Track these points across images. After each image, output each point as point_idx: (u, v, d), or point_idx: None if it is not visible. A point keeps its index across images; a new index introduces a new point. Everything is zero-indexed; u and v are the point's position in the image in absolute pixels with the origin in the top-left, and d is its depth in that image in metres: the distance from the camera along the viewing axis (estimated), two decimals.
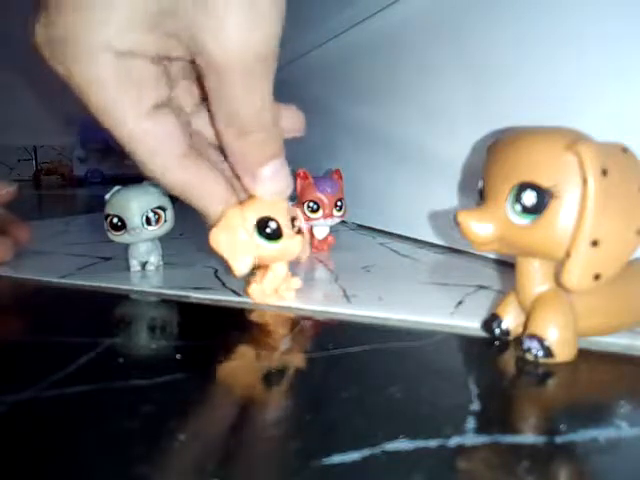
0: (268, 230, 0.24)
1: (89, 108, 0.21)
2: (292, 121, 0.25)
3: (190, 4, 0.18)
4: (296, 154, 0.32)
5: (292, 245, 0.24)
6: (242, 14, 0.18)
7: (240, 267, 0.24)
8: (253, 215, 0.23)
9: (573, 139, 0.16)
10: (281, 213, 0.24)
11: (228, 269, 0.24)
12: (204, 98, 0.24)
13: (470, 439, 0.13)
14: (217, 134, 0.22)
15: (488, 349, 0.20)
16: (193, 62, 0.20)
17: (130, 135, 0.21)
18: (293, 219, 0.25)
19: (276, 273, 0.26)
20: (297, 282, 0.27)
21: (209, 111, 0.22)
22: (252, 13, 0.18)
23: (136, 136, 0.21)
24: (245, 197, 0.24)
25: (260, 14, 0.19)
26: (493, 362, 0.19)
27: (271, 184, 0.23)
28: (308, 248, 0.26)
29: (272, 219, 0.24)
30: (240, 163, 0.23)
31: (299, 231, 0.25)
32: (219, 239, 0.23)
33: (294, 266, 0.27)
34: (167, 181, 0.22)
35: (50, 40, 0.19)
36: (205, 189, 0.23)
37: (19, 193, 0.40)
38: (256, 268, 0.25)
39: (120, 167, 1.58)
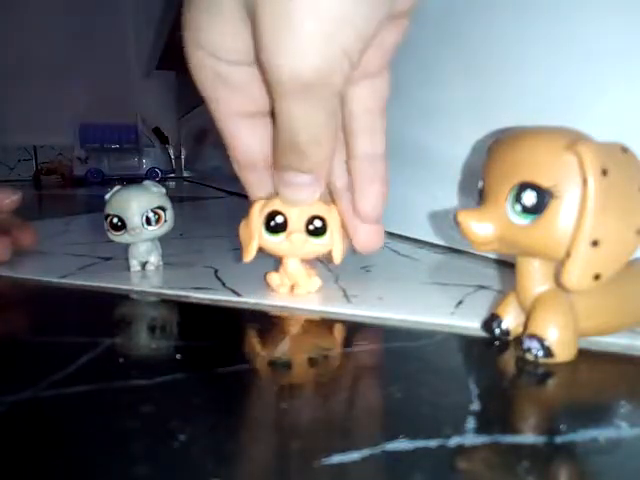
0: (272, 223, 0.25)
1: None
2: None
3: (260, 20, 0.19)
4: None
5: (293, 242, 0.25)
6: (285, 45, 0.18)
7: (245, 254, 0.26)
8: (267, 208, 0.25)
9: (573, 139, 0.16)
10: (295, 209, 0.25)
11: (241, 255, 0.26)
12: None
13: (470, 439, 0.13)
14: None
15: (488, 349, 0.20)
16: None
17: (219, 125, 0.24)
18: (314, 218, 0.25)
19: (286, 268, 0.27)
20: (316, 283, 0.27)
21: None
22: (294, 45, 0.18)
23: (222, 128, 0.24)
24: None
25: (303, 49, 0.18)
26: (493, 362, 0.19)
27: (291, 192, 0.24)
28: (341, 250, 0.26)
29: (280, 213, 0.25)
30: (276, 158, 0.23)
31: (316, 230, 0.25)
32: (240, 227, 0.27)
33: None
34: (236, 172, 0.25)
35: (183, 29, 0.22)
36: (257, 190, 0.26)
37: (23, 200, 0.40)
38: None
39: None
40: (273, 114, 0.22)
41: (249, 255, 0.26)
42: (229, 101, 0.23)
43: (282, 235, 0.25)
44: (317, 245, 0.25)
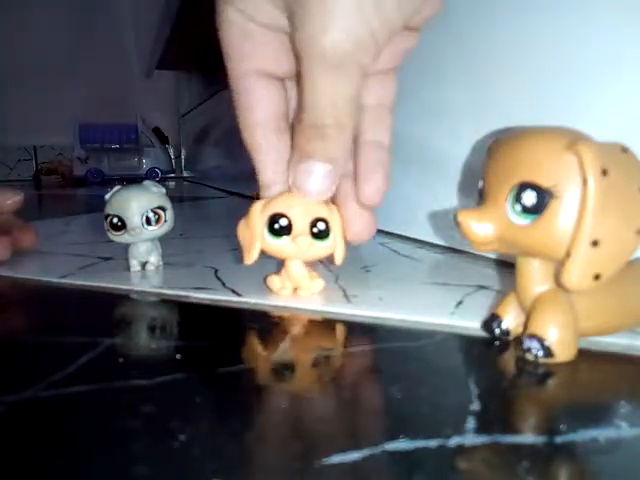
0: (276, 226, 0.24)
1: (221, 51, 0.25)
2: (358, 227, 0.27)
3: None
4: None
5: (298, 245, 0.24)
6: (324, 17, 0.20)
7: (247, 256, 0.25)
8: (269, 210, 0.25)
9: (573, 139, 0.16)
10: (298, 211, 0.24)
11: (241, 257, 0.26)
12: None
13: (470, 439, 0.13)
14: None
15: (488, 349, 0.20)
16: None
17: (235, 82, 0.25)
18: (317, 220, 0.25)
19: (289, 270, 0.26)
20: (319, 284, 0.27)
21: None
22: (333, 19, 0.20)
23: (237, 85, 0.25)
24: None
25: (340, 22, 0.20)
26: (493, 362, 0.19)
27: (312, 183, 0.24)
28: (343, 252, 0.26)
29: (284, 216, 0.24)
30: (294, 147, 0.24)
31: (322, 233, 0.25)
32: (240, 229, 0.26)
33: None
34: (244, 137, 0.25)
35: None
36: (260, 161, 0.25)
37: (24, 202, 0.40)
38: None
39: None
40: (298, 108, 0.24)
41: (251, 257, 0.25)
42: (250, 57, 0.24)
43: (286, 238, 0.25)
44: (321, 248, 0.25)
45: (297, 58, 0.22)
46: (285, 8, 0.22)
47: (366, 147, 0.26)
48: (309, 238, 0.25)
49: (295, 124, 0.24)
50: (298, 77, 0.23)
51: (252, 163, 0.26)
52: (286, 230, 0.24)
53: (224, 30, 0.24)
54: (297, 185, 0.24)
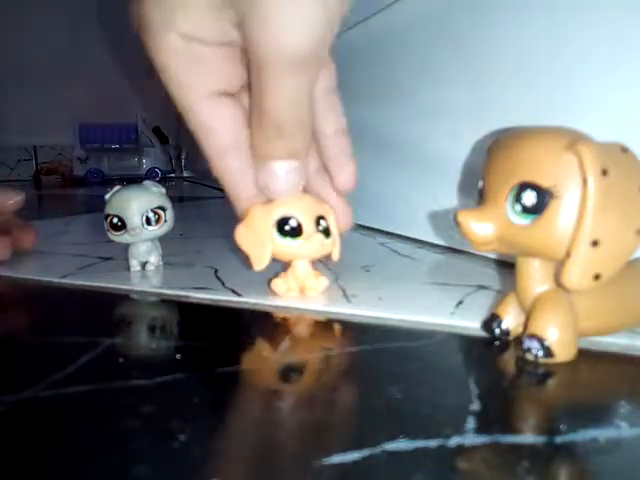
0: (287, 227, 0.24)
1: (162, 81, 0.22)
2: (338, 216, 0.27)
3: None
4: None
5: (312, 244, 0.25)
6: (285, 14, 0.19)
7: (258, 262, 0.25)
8: (275, 213, 0.24)
9: (573, 139, 0.16)
10: (303, 211, 0.24)
11: (248, 264, 0.25)
12: None
13: (470, 439, 0.13)
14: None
15: (488, 349, 0.20)
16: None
17: (190, 112, 0.23)
18: (319, 218, 0.25)
19: (296, 271, 0.26)
20: (324, 282, 0.27)
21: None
22: (296, 14, 0.19)
23: (194, 114, 0.23)
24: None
25: (305, 16, 0.19)
26: (493, 362, 0.19)
27: (278, 182, 0.23)
28: (339, 248, 0.27)
29: (293, 217, 0.24)
30: (253, 150, 0.23)
31: (326, 230, 0.25)
32: (241, 235, 0.25)
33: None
34: (211, 164, 0.24)
35: (137, 17, 0.22)
36: (237, 184, 0.24)
37: (25, 202, 0.40)
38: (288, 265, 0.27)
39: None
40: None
41: (263, 263, 0.25)
42: (203, 80, 0.22)
43: (298, 239, 0.24)
44: (327, 245, 0.26)
45: (252, 63, 0.21)
46: (233, 16, 0.20)
47: (328, 138, 0.26)
48: (321, 236, 0.25)
49: (252, 126, 0.23)
50: (250, 82, 0.22)
51: (225, 186, 0.25)
52: (297, 231, 0.24)
53: (168, 58, 0.21)
54: (264, 186, 0.24)
